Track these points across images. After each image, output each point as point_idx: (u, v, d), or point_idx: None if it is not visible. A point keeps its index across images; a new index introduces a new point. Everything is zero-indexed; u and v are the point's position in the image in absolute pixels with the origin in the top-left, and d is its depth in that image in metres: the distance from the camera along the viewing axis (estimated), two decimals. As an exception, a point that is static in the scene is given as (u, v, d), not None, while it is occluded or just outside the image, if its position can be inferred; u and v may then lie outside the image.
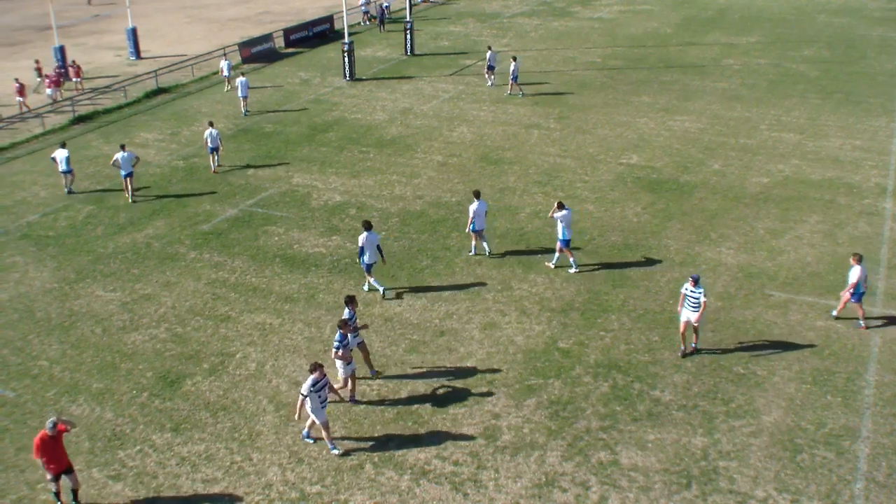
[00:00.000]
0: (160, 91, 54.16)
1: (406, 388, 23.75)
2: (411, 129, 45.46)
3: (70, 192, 38.17)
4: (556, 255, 30.28)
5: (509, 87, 51.67)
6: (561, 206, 29.29)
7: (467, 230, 30.97)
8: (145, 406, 23.28)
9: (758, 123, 45.67)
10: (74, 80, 54.82)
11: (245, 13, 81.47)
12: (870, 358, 24.94)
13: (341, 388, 23.07)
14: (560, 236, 29.53)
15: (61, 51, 57.50)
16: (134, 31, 63.13)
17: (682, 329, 24.94)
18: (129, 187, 36.91)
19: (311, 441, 21.71)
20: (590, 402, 23.06)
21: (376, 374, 24.37)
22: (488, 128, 45.47)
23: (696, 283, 24.15)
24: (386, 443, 21.63)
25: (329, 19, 71.21)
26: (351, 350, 22.93)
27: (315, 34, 68.87)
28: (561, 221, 29.22)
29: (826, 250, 31.31)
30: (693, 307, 24.36)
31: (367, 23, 74.86)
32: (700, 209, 34.93)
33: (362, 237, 27.93)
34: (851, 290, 26.07)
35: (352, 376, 22.95)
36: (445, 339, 26.06)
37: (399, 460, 21.02)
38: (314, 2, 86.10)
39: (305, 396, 20.53)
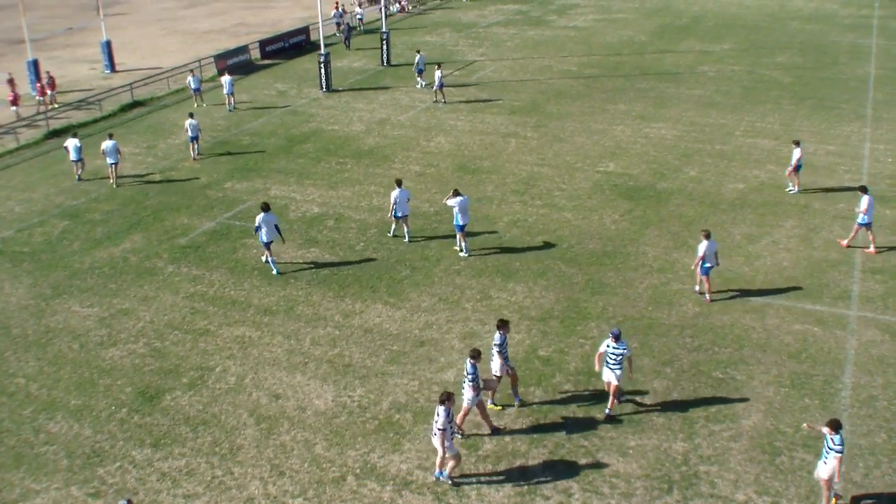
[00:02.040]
0: (135, 104, 53.93)
1: (387, 399, 23.73)
2: (388, 140, 45.48)
3: (80, 179, 40.86)
4: (460, 241, 32.03)
5: (434, 94, 52.59)
6: (457, 193, 31.14)
7: (389, 216, 33.29)
8: (125, 422, 23.15)
9: (733, 130, 45.94)
10: (39, 98, 53.71)
11: (220, 25, 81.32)
12: (846, 360, 25.13)
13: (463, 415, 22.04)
14: (455, 221, 31.53)
15: (35, 64, 57.07)
16: (108, 44, 62.82)
17: (611, 390, 22.54)
18: (114, 174, 39.97)
19: (451, 483, 20.66)
20: (570, 409, 23.10)
21: (520, 402, 23.49)
22: (465, 137, 45.55)
23: (617, 339, 21.87)
24: (368, 454, 21.60)
25: (305, 30, 71.17)
26: (500, 377, 22.76)
27: (291, 45, 68.82)
28: (455, 207, 31.03)
29: (802, 254, 31.52)
30: (614, 365, 22.09)
31: (340, 34, 74.79)
32: (677, 216, 35.10)
33: (259, 217, 30.17)
34: (698, 264, 27.68)
35: (478, 406, 21.91)
36: (425, 350, 26.06)
37: (381, 472, 20.99)
38: (290, 13, 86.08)
39: (444, 430, 19.65)
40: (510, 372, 22.88)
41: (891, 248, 31.89)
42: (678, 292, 29.07)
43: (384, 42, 61.86)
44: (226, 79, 52.26)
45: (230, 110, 51.75)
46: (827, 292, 28.96)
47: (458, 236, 31.94)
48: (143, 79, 57.25)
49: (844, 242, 32.30)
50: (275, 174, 40.80)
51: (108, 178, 40.32)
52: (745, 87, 54.77)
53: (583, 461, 21.16)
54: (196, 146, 43.18)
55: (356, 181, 39.59)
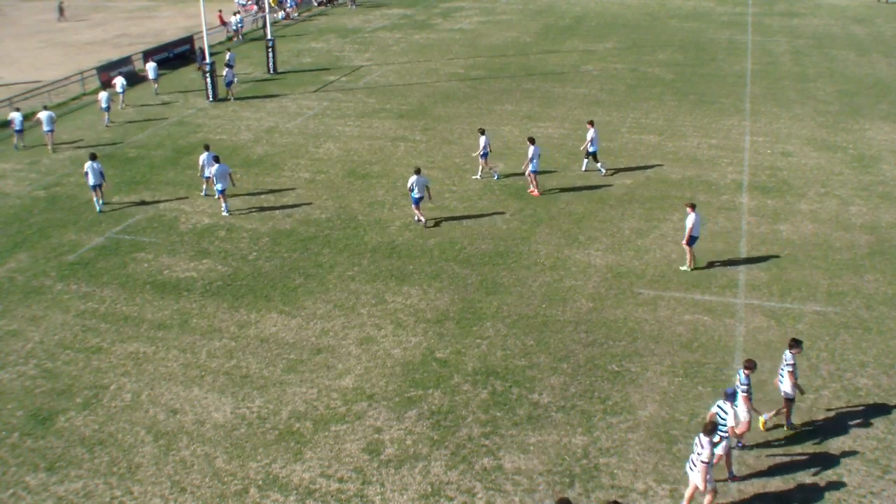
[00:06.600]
0: (15, 119, 52.41)
1: (286, 409, 23.61)
2: (277, 148, 45.17)
3: (54, 150, 46.00)
4: (224, 204, 36.71)
5: (227, 92, 56.12)
6: (216, 160, 36.54)
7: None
8: (16, 447, 22.56)
9: (618, 127, 46.83)
10: None
11: (102, 36, 79.63)
12: (735, 347, 25.87)
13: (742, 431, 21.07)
14: (216, 187, 36.23)
15: None
16: (-16, 59, 61.66)
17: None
18: (51, 142, 45.81)
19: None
20: (470, 409, 23.30)
21: (793, 427, 22.44)
22: (354, 143, 45.51)
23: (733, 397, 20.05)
24: (269, 465, 21.46)
25: (189, 40, 70.19)
26: (793, 400, 21.90)
27: (175, 55, 67.79)
28: (214, 175, 35.87)
29: (689, 247, 32.34)
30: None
31: (240, 39, 74.16)
32: (567, 213, 35.64)
33: (86, 165, 36.15)
34: (407, 193, 33.30)
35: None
36: (323, 357, 26.00)
37: (284, 482, 20.88)
38: (172, 23, 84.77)
39: (707, 464, 18.43)
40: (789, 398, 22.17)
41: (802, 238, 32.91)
42: (571, 288, 29.54)
43: (270, 49, 61.39)
44: (150, 65, 57.46)
45: (156, 93, 57.47)
46: (714, 282, 29.77)
47: (220, 198, 36.63)
48: (23, 93, 55.69)
49: (535, 192, 37.60)
50: (163, 186, 40.16)
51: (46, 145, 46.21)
52: (628, 84, 55.89)
53: (485, 460, 21.37)
54: (108, 115, 49.97)
55: (246, 190, 39.20)
